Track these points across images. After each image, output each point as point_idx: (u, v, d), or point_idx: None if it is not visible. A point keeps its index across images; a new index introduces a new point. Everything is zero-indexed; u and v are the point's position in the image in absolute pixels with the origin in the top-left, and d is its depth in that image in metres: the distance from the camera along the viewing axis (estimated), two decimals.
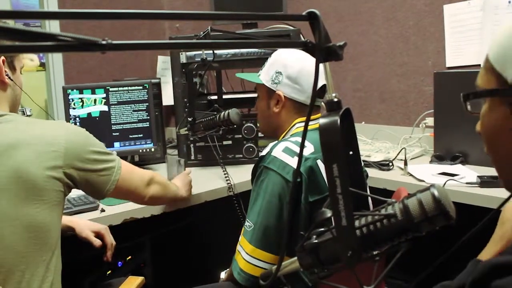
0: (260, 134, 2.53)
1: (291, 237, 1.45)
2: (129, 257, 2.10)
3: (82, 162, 1.37)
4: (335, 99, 0.68)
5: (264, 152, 1.62)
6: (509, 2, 2.38)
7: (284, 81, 1.68)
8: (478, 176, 2.02)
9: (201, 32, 1.65)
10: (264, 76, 1.74)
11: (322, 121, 0.66)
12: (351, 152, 0.76)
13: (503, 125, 0.68)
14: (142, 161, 2.64)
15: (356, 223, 0.71)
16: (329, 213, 0.72)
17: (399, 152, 2.47)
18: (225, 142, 2.53)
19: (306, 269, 0.77)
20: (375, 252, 0.73)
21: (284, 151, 1.55)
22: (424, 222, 0.67)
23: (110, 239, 1.74)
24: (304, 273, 1.57)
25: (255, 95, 1.86)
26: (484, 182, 1.97)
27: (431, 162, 2.44)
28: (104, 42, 0.53)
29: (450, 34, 2.64)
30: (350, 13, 3.10)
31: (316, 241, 0.73)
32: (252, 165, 2.49)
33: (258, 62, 1.85)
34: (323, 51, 0.67)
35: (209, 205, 2.13)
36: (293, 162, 1.52)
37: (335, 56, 0.67)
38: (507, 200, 0.68)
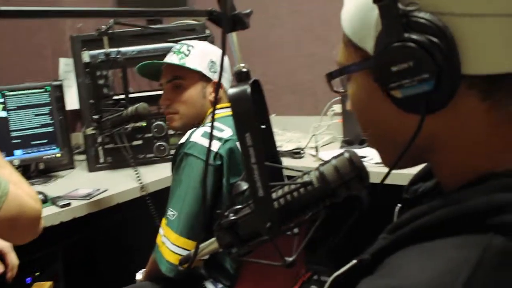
0: (170, 132, 2.47)
1: (214, 220, 1.44)
2: (38, 273, 1.98)
3: None
4: (244, 70, 0.67)
5: (183, 140, 1.61)
6: None
7: (219, 70, 1.68)
8: None
9: (103, 26, 1.59)
10: (197, 64, 1.72)
11: (232, 91, 0.65)
12: (263, 126, 0.74)
13: (372, 98, 0.65)
14: (48, 168, 2.51)
15: (274, 195, 0.70)
16: (245, 186, 0.71)
17: (309, 140, 2.51)
18: (135, 143, 2.45)
19: (225, 248, 0.75)
20: (294, 223, 0.72)
21: (204, 136, 1.56)
22: (340, 187, 0.68)
23: (12, 259, 1.59)
24: (226, 258, 1.56)
25: (161, 92, 1.82)
26: None
27: (341, 147, 2.50)
28: None
29: None
30: (256, 7, 3.10)
31: (234, 217, 0.71)
32: (164, 164, 2.50)
33: (163, 58, 1.80)
34: (229, 20, 0.65)
35: (121, 207, 2.06)
36: (213, 145, 1.53)
37: (242, 24, 0.66)
38: (387, 175, 0.67)
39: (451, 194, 0.59)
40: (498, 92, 0.57)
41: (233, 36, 0.70)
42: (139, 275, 1.75)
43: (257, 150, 0.64)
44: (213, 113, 0.69)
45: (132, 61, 2.41)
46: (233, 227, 0.72)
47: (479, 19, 0.54)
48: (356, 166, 0.67)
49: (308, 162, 2.30)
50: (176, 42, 1.89)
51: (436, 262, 0.52)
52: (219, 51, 1.74)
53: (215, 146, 1.54)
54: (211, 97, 1.74)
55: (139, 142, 2.46)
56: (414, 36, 0.54)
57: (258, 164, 0.64)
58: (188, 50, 1.74)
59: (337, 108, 2.68)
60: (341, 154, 0.69)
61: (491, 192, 0.55)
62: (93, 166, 2.45)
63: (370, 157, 2.19)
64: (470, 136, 0.60)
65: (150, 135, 2.47)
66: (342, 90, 0.73)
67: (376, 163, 2.10)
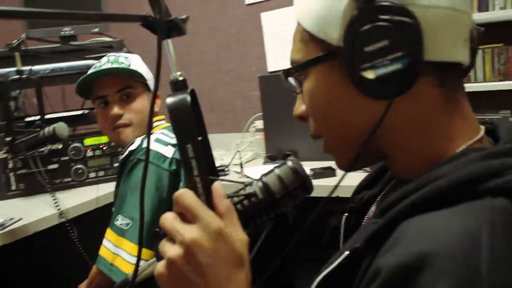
0: (88, 154, 2.36)
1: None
2: None
3: None
4: (181, 78, 0.64)
5: (133, 147, 1.56)
6: None
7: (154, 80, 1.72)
8: (311, 169, 2.14)
9: (14, 41, 1.48)
10: (144, 73, 1.66)
11: (170, 100, 0.61)
12: (199, 138, 0.72)
13: (333, 92, 0.67)
14: None
15: None
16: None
17: (233, 157, 2.50)
18: (50, 167, 2.31)
19: None
20: None
21: (156, 142, 1.54)
22: (285, 197, 0.66)
23: None
24: None
25: (78, 112, 1.73)
26: (317, 173, 2.12)
27: (264, 163, 2.52)
28: None
29: (269, 40, 2.76)
30: None
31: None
32: (84, 188, 2.38)
33: (79, 77, 1.70)
34: (165, 25, 0.62)
35: (39, 236, 1.93)
36: (166, 151, 1.51)
37: (178, 30, 0.63)
38: (337, 184, 0.68)
39: (431, 171, 0.61)
40: (450, 81, 0.63)
41: (169, 43, 0.66)
42: None
43: (199, 161, 0.61)
44: (150, 119, 0.64)
45: (47, 80, 2.30)
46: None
47: (434, 10, 0.60)
48: (300, 175, 0.66)
49: (233, 179, 2.29)
50: (96, 59, 1.81)
51: (454, 226, 0.53)
52: (139, 60, 1.72)
53: (169, 152, 1.52)
54: (157, 108, 1.71)
55: (55, 166, 2.33)
56: (388, 17, 0.58)
57: (201, 177, 0.61)
58: (128, 60, 1.68)
59: (259, 124, 2.70)
60: (284, 163, 0.68)
61: (474, 162, 0.58)
62: (5, 193, 2.28)
63: None
64: (426, 122, 0.64)
65: (66, 158, 2.34)
66: (298, 91, 0.73)
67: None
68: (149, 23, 0.62)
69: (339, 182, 0.68)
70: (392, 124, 0.64)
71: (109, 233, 1.47)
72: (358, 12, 0.60)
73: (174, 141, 1.60)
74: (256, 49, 2.84)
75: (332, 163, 2.28)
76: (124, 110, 1.66)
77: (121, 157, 1.63)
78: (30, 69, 1.72)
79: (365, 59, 0.60)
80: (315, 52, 0.66)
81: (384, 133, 0.65)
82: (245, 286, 0.61)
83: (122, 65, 1.65)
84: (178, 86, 0.64)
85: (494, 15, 2.26)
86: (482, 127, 0.67)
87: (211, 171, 0.68)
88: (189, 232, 0.59)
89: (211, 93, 3.06)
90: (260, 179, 0.68)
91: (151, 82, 1.74)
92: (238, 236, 0.62)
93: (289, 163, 0.67)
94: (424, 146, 0.65)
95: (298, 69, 0.70)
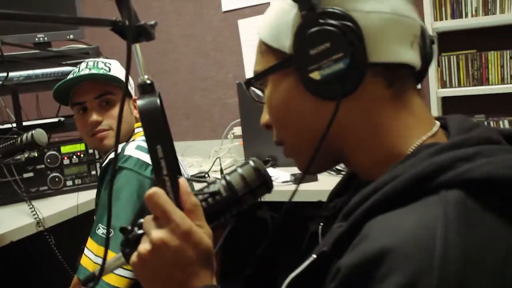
0: (65, 162, 2.31)
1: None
2: None
3: None
4: (148, 81, 0.67)
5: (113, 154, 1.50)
6: None
7: (132, 86, 1.72)
8: (291, 175, 2.14)
9: None
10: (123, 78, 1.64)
11: (141, 102, 0.65)
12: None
13: (289, 96, 0.71)
14: None
15: None
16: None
17: (213, 163, 2.49)
18: (25, 175, 2.25)
19: None
20: None
21: (138, 149, 1.51)
22: (247, 195, 0.70)
23: None
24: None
25: (54, 120, 1.70)
26: (298, 178, 2.09)
27: None
28: None
29: (246, 47, 2.77)
30: None
31: (141, 231, 0.69)
32: (61, 196, 2.33)
33: (55, 84, 1.66)
34: (133, 30, 0.64)
35: (16, 245, 1.87)
36: (148, 158, 1.49)
37: (147, 35, 0.65)
38: (296, 189, 0.73)
39: (388, 172, 0.63)
40: (399, 81, 0.67)
41: (137, 48, 0.68)
42: None
43: (169, 162, 0.64)
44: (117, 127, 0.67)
45: (23, 87, 2.24)
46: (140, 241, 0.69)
47: (377, 15, 0.65)
48: (262, 174, 0.70)
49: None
50: (74, 65, 1.78)
51: (409, 222, 0.56)
52: (118, 66, 1.70)
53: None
54: (135, 113, 1.68)
55: (30, 174, 2.27)
56: (328, 21, 0.63)
57: (169, 176, 0.65)
58: (107, 66, 1.65)
59: (237, 130, 2.70)
60: (246, 162, 0.71)
61: (427, 159, 0.60)
62: None
63: (276, 176, 2.22)
64: (377, 122, 0.68)
65: (42, 166, 2.28)
66: (263, 101, 0.78)
67: (283, 182, 2.14)
68: (119, 28, 0.64)
69: (297, 187, 0.74)
70: (346, 126, 0.68)
71: (90, 242, 1.43)
72: (302, 19, 0.65)
73: None
74: (234, 56, 2.84)
75: None
76: (103, 117, 1.62)
77: (103, 164, 1.60)
78: (7, 75, 1.67)
79: (311, 62, 0.64)
80: (272, 61, 0.71)
81: (340, 135, 0.69)
82: (211, 278, 0.65)
83: (101, 71, 1.62)
84: (146, 89, 0.67)
85: (467, 22, 2.32)
86: (438, 123, 0.71)
87: (177, 171, 0.71)
88: (158, 232, 0.63)
89: (188, 101, 3.05)
90: (223, 177, 0.71)
91: (131, 87, 1.72)
92: (205, 230, 0.65)
93: (251, 162, 0.71)
94: (378, 145, 0.68)
95: (257, 78, 0.74)
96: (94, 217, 1.58)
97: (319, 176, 2.13)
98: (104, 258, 0.70)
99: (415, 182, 0.59)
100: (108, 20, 0.64)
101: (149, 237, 0.64)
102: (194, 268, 0.63)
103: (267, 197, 2.14)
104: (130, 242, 0.70)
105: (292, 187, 2.09)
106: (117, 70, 1.67)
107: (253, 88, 0.79)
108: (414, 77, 0.71)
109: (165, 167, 0.64)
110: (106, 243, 0.70)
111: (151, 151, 0.64)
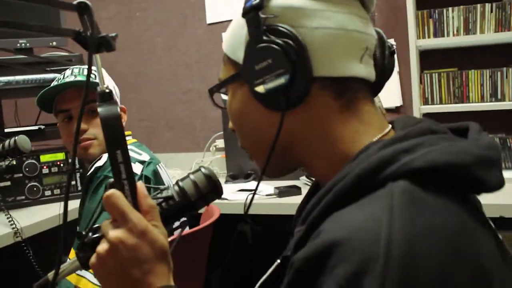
0: (44, 171, 2.26)
1: None
2: None
3: None
4: (107, 90, 0.71)
5: (100, 163, 1.49)
6: None
7: (118, 94, 1.70)
8: (275, 188, 2.13)
9: None
10: (111, 87, 1.59)
11: (102, 110, 0.68)
12: None
13: (244, 104, 0.74)
14: None
15: None
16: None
17: None
18: (2, 184, 2.19)
19: (88, 268, 0.73)
20: None
21: None
22: (199, 200, 0.75)
23: None
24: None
25: (34, 128, 1.66)
26: (282, 192, 2.12)
27: (226, 182, 2.49)
28: None
29: None
30: (130, 42, 3.03)
31: (97, 235, 0.71)
32: (39, 206, 2.27)
33: (36, 91, 1.62)
34: (95, 41, 0.67)
35: None
36: (135, 168, 1.45)
37: (108, 46, 0.68)
38: (251, 202, 0.79)
39: (339, 172, 0.66)
40: (348, 92, 0.71)
41: (97, 58, 0.72)
42: None
43: (128, 166, 0.68)
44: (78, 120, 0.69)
45: (2, 93, 2.20)
46: (96, 245, 0.71)
47: (322, 31, 0.69)
48: (212, 180, 0.75)
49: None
50: (58, 72, 1.75)
51: (357, 215, 0.59)
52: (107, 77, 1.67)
53: (137, 169, 1.48)
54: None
55: (7, 183, 2.21)
56: (271, 39, 0.67)
57: (128, 180, 0.68)
58: (93, 73, 1.62)
59: (220, 143, 2.69)
60: (198, 169, 0.76)
61: (372, 155, 0.63)
62: None
63: (259, 189, 2.21)
64: (327, 130, 0.71)
65: (20, 175, 2.23)
66: (223, 106, 0.83)
67: (267, 195, 2.13)
68: (81, 38, 0.67)
69: (252, 199, 0.81)
70: (300, 135, 0.72)
71: (73, 254, 1.40)
72: (249, 36, 0.70)
73: (142, 157, 1.56)
74: (217, 69, 2.83)
75: (297, 182, 2.30)
76: (88, 125, 1.59)
77: (88, 173, 1.57)
78: None
79: (256, 76, 0.69)
80: (231, 72, 0.76)
81: (295, 143, 0.73)
82: (167, 275, 0.67)
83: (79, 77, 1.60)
84: (105, 97, 0.70)
85: (449, 40, 2.36)
86: (390, 126, 0.75)
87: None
88: (115, 231, 0.65)
89: (169, 112, 3.02)
90: (176, 184, 0.75)
91: (118, 96, 1.69)
92: (161, 230, 0.68)
93: (203, 169, 0.76)
94: (331, 151, 0.71)
95: (217, 87, 0.80)
96: (77, 227, 1.54)
97: (303, 189, 2.12)
98: (58, 263, 0.71)
99: (362, 178, 0.62)
100: (71, 29, 0.68)
101: (107, 237, 0.66)
102: (150, 265, 0.65)
103: (251, 210, 2.13)
104: (85, 246, 0.72)
105: (275, 200, 2.09)
106: (104, 77, 1.63)
107: (222, 94, 0.83)
108: (366, 87, 0.74)
109: (124, 171, 0.68)
110: (60, 244, 0.71)
111: (111, 156, 0.67)
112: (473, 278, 0.56)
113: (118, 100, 1.73)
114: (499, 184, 0.64)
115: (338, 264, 0.55)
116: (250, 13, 0.69)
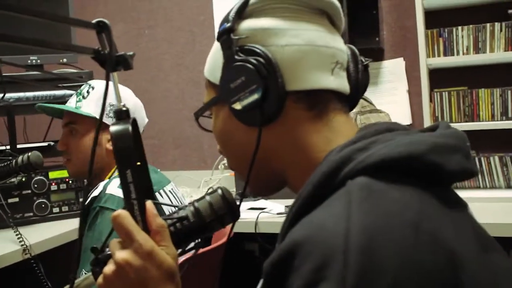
0: (53, 188, 2.24)
1: None
2: None
3: None
4: (124, 108, 0.71)
5: (96, 193, 1.44)
6: None
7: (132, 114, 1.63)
8: (285, 206, 2.11)
9: None
10: (92, 109, 1.56)
11: (114, 128, 0.68)
12: (138, 163, 0.77)
13: (226, 124, 0.77)
14: None
15: None
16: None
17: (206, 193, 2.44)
18: (10, 200, 2.17)
19: None
20: None
21: (120, 187, 1.43)
22: (214, 222, 0.74)
23: None
24: None
25: (43, 144, 1.66)
26: None
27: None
28: None
29: None
30: (138, 60, 3.03)
31: (110, 252, 0.70)
32: (47, 224, 2.25)
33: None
34: (113, 59, 0.68)
35: (1, 273, 1.79)
36: None
37: (126, 65, 0.70)
38: (235, 221, 0.76)
39: (306, 181, 0.68)
40: (320, 104, 0.74)
41: (115, 76, 0.73)
42: None
43: (137, 186, 0.68)
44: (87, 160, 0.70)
45: (19, 108, 2.19)
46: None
47: (292, 47, 0.72)
48: (228, 202, 0.74)
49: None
50: (69, 88, 1.75)
51: (319, 215, 0.61)
52: (122, 93, 1.63)
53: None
54: (108, 145, 1.57)
55: (16, 199, 2.18)
56: (243, 58, 0.71)
57: (138, 200, 0.68)
58: (88, 92, 1.60)
59: None
60: (215, 190, 0.75)
61: (332, 157, 0.66)
62: None
63: (270, 208, 2.19)
64: (300, 142, 0.74)
65: (28, 191, 2.21)
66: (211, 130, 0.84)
67: (278, 213, 2.11)
68: (100, 56, 0.69)
69: (243, 192, 0.78)
70: (278, 150, 0.75)
71: None
72: (223, 57, 0.74)
73: None
74: None
75: None
76: (67, 145, 1.61)
77: (85, 203, 1.53)
78: (3, 95, 1.63)
79: (232, 94, 0.72)
80: (212, 94, 0.79)
81: (275, 159, 0.76)
82: None
83: (78, 98, 1.60)
84: (121, 115, 0.70)
85: (458, 59, 2.36)
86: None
87: (148, 194, 0.76)
88: (121, 252, 0.66)
89: (176, 130, 3.02)
90: (192, 204, 0.75)
91: (111, 114, 1.65)
92: (169, 251, 0.68)
93: (219, 191, 0.75)
94: (305, 162, 0.73)
95: (201, 110, 0.82)
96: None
97: None
98: (72, 281, 0.74)
99: (323, 180, 0.65)
100: (91, 48, 0.68)
101: (113, 258, 0.67)
102: (157, 287, 0.66)
103: (261, 229, 2.10)
104: (99, 262, 0.72)
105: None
106: (93, 98, 1.59)
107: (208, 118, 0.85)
108: (338, 99, 0.76)
109: (134, 191, 0.67)
110: (75, 263, 0.72)
111: (121, 175, 0.67)
112: (437, 260, 0.57)
113: (143, 114, 1.72)
114: (463, 169, 0.66)
115: (302, 262, 0.57)
116: (223, 36, 0.74)
